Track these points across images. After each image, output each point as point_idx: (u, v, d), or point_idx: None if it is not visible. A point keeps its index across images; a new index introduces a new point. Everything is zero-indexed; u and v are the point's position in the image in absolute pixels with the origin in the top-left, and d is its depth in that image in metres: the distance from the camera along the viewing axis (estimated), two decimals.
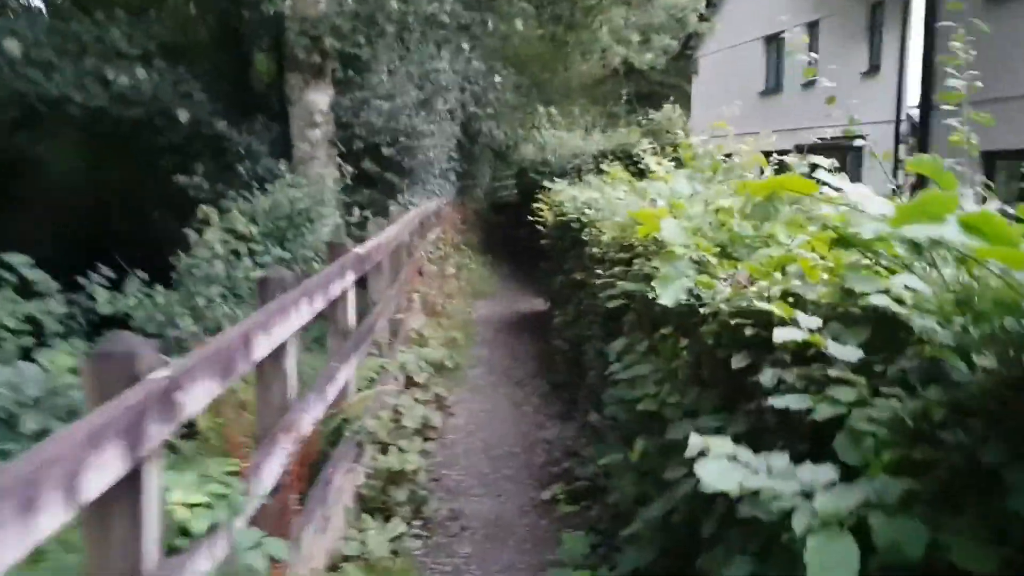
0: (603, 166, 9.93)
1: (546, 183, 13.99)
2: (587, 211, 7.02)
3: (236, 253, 8.06)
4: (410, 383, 6.29)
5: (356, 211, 10.53)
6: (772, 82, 24.44)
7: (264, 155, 11.22)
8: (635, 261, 4.18)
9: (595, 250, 6.03)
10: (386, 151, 11.12)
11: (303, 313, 3.44)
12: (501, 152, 23.32)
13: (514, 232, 19.71)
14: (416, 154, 11.37)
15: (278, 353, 3.29)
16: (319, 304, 3.77)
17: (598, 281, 5.53)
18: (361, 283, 5.76)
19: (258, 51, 13.50)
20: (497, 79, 14.78)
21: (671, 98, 31.87)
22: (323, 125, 11.34)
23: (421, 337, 7.43)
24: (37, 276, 7.35)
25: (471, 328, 9.64)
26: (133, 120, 12.02)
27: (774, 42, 24.27)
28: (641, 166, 11.69)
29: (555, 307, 9.28)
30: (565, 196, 8.29)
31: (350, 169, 11.07)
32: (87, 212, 15.62)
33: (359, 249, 5.00)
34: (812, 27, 22.31)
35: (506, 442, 5.91)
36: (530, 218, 10.12)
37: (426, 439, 5.52)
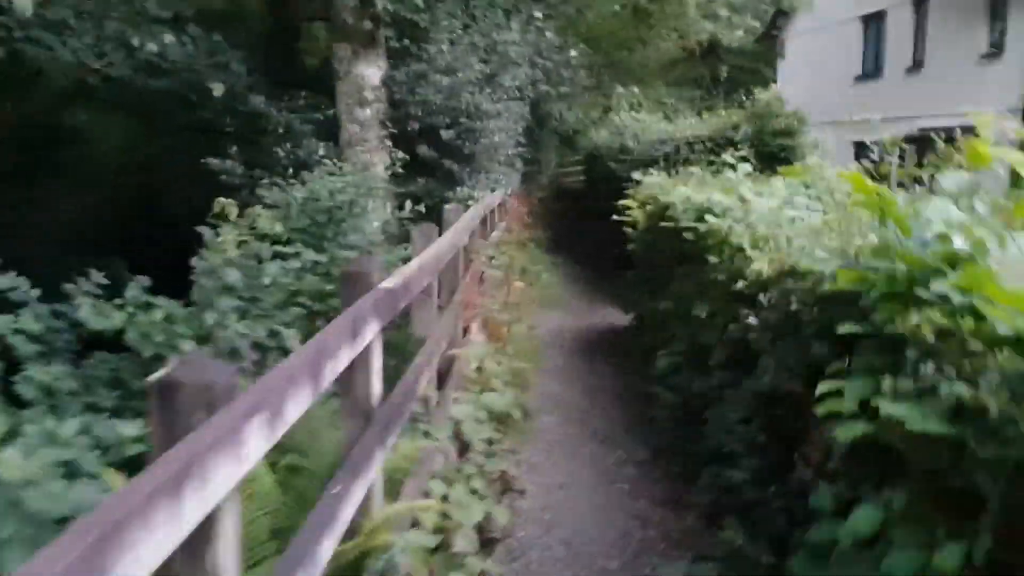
0: (720, 156, 7.97)
1: (626, 172, 12.06)
2: (710, 218, 5.13)
3: (258, 257, 6.39)
4: (465, 449, 4.54)
5: (408, 205, 8.80)
6: (870, 66, 21.89)
7: (307, 136, 9.59)
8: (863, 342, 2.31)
9: (737, 283, 4.14)
10: (445, 134, 9.35)
11: (248, 448, 1.69)
12: (567, 136, 21.42)
13: (581, 223, 17.81)
14: (479, 138, 9.58)
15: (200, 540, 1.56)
16: (296, 410, 2.01)
17: (751, 334, 3.65)
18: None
19: (308, 20, 11.86)
20: (572, 54, 12.85)
21: (751, 84, 29.43)
22: (374, 103, 9.64)
23: (481, 374, 5.68)
24: (9, 282, 5.80)
25: (539, 352, 7.84)
26: (161, 93, 10.54)
27: (874, 21, 21.74)
28: (735, 158, 9.68)
29: (647, 330, 7.42)
30: (672, 194, 6.41)
31: (402, 155, 9.37)
32: (109, 204, 14.25)
33: (390, 283, 3.23)
34: (920, 4, 19.74)
35: (597, 546, 4.11)
36: (616, 217, 8.26)
37: (487, 549, 3.76)
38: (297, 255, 6.50)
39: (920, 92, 19.05)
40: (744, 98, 12.69)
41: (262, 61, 11.63)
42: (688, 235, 5.40)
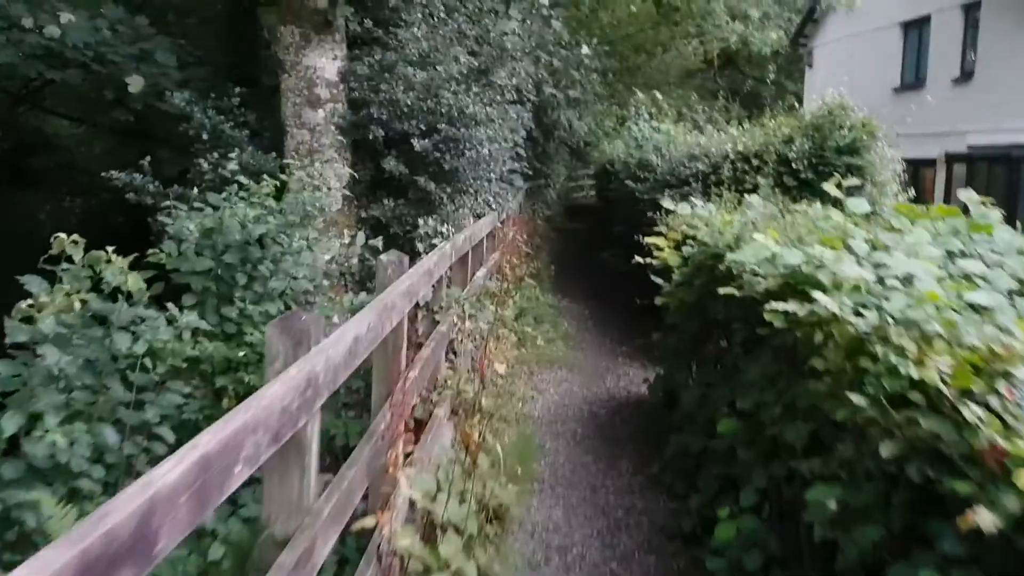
0: (767, 176, 5.71)
1: (649, 194, 9.75)
2: (823, 299, 2.80)
3: (103, 322, 4.08)
4: None
5: (362, 237, 6.49)
6: (911, 76, 19.48)
7: (242, 143, 7.32)
8: None
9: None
10: (419, 144, 7.05)
11: None
12: (578, 149, 19.15)
13: (594, 250, 15.46)
14: (464, 149, 7.27)
15: None
16: None
17: None
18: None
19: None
20: (584, 51, 10.54)
21: (774, 97, 27.01)
22: (328, 103, 7.34)
23: (430, 532, 3.37)
24: None
25: (532, 447, 5.51)
26: (79, 89, 8.31)
27: (916, 27, 19.37)
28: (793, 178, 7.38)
29: (687, 426, 5.06)
30: (730, 237, 4.10)
31: (348, 173, 7.07)
32: (64, 215, 12.30)
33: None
34: (969, 9, 17.38)
35: None
36: (640, 259, 5.93)
37: None
38: (158, 324, 4.16)
39: (969, 105, 16.70)
40: (770, 111, 10.50)
41: (212, 54, 9.42)
42: (774, 318, 3.11)
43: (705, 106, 14.80)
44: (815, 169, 7.62)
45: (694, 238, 5.23)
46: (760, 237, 3.61)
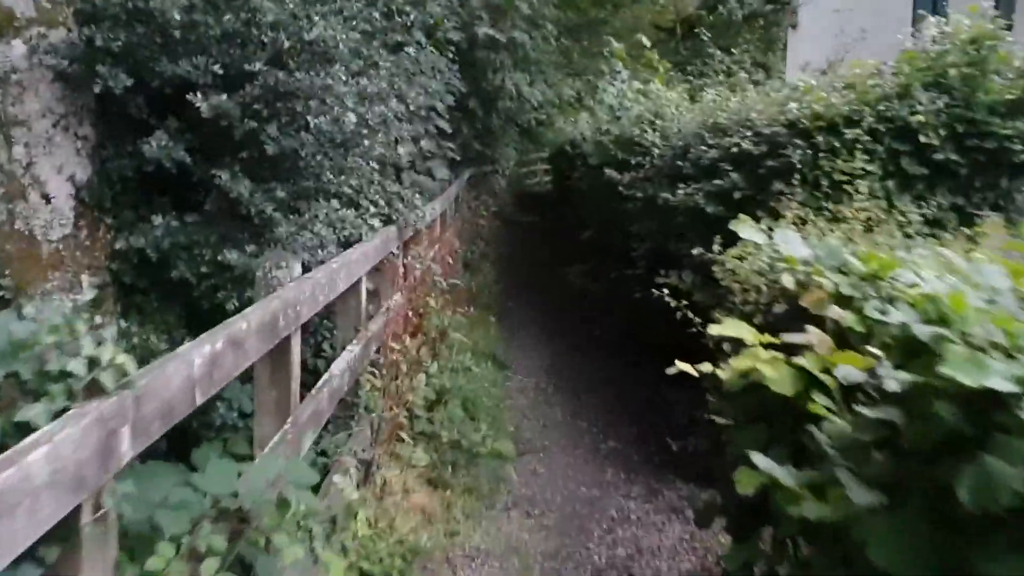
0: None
1: (646, 191, 6.20)
2: None
3: None
4: None
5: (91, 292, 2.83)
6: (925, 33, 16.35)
7: None
8: None
9: None
10: (209, 104, 3.37)
11: None
12: (529, 128, 15.54)
13: (552, 255, 11.88)
14: (307, 114, 3.62)
15: None
16: None
17: None
18: None
19: None
20: None
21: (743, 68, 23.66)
22: (33, 27, 3.62)
23: None
24: None
25: None
26: None
27: None
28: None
29: None
30: None
31: (82, 167, 3.35)
32: None
33: None
34: None
35: None
36: (687, 369, 2.39)
37: None
38: None
39: None
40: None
41: None
42: None
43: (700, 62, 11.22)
44: (959, 144, 4.14)
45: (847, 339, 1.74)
46: None
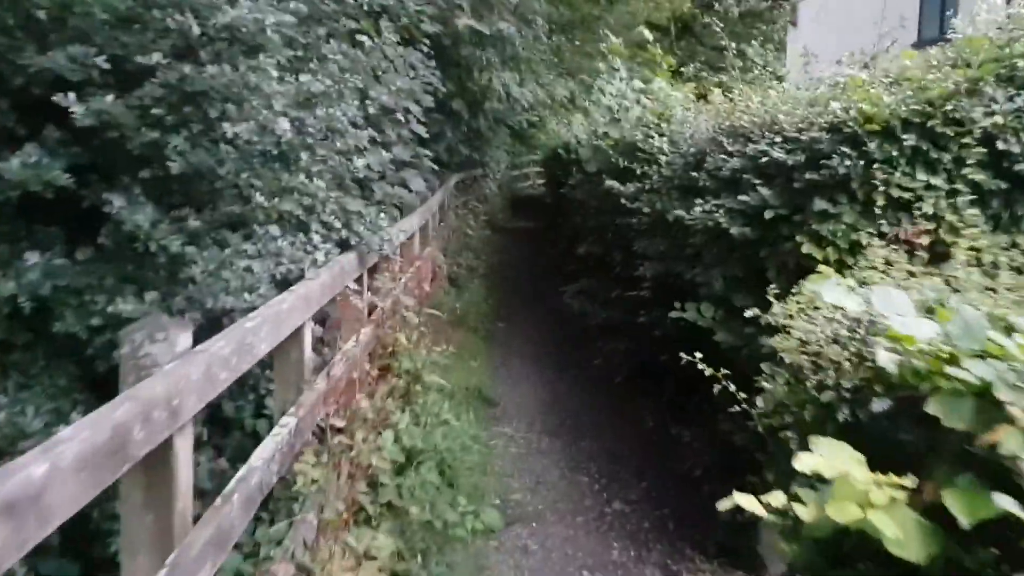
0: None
1: (645, 205, 5.39)
2: None
3: None
4: None
5: None
6: (933, 30, 15.57)
7: None
8: None
9: None
10: (80, 109, 2.53)
11: None
12: (520, 131, 14.77)
13: (548, 266, 11.04)
14: (222, 119, 2.77)
15: None
16: None
17: None
18: None
19: None
20: None
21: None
22: None
23: None
24: None
25: None
26: None
27: None
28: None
29: None
30: None
31: None
32: None
33: None
34: None
35: None
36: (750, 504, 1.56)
37: None
38: None
39: None
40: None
41: None
42: None
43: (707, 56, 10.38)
44: None
45: None
46: None
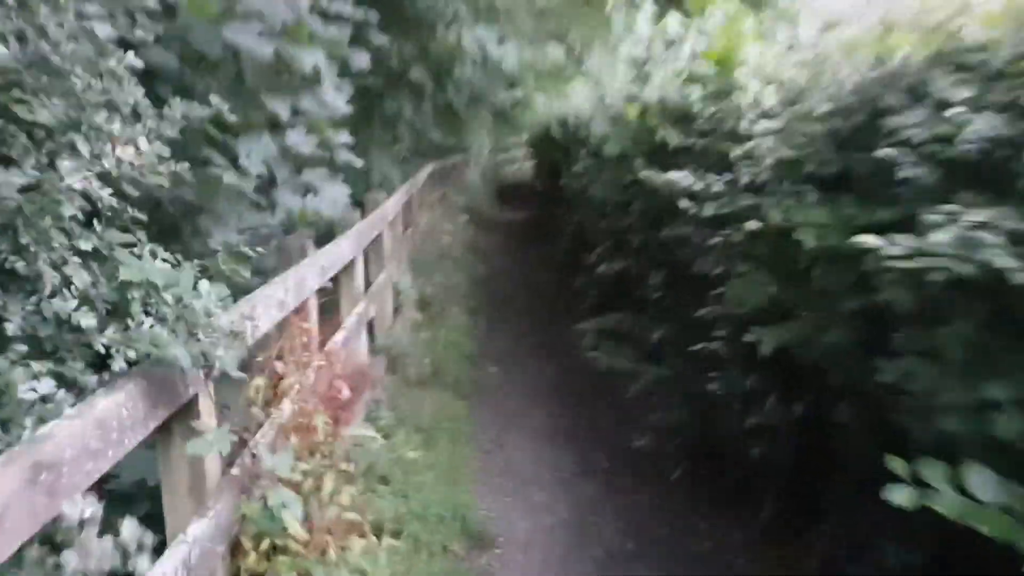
0: None
1: (763, 210, 2.93)
2: None
3: None
4: None
5: None
6: None
7: None
8: None
9: None
10: None
11: None
12: (503, 110, 12.46)
13: (549, 282, 8.75)
14: None
15: None
16: None
17: None
18: None
19: None
20: None
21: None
22: None
23: None
24: None
25: None
26: None
27: None
28: None
29: None
30: None
31: None
32: None
33: None
34: None
35: None
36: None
37: None
38: None
39: None
40: None
41: None
42: None
43: None
44: None
45: None
46: None
